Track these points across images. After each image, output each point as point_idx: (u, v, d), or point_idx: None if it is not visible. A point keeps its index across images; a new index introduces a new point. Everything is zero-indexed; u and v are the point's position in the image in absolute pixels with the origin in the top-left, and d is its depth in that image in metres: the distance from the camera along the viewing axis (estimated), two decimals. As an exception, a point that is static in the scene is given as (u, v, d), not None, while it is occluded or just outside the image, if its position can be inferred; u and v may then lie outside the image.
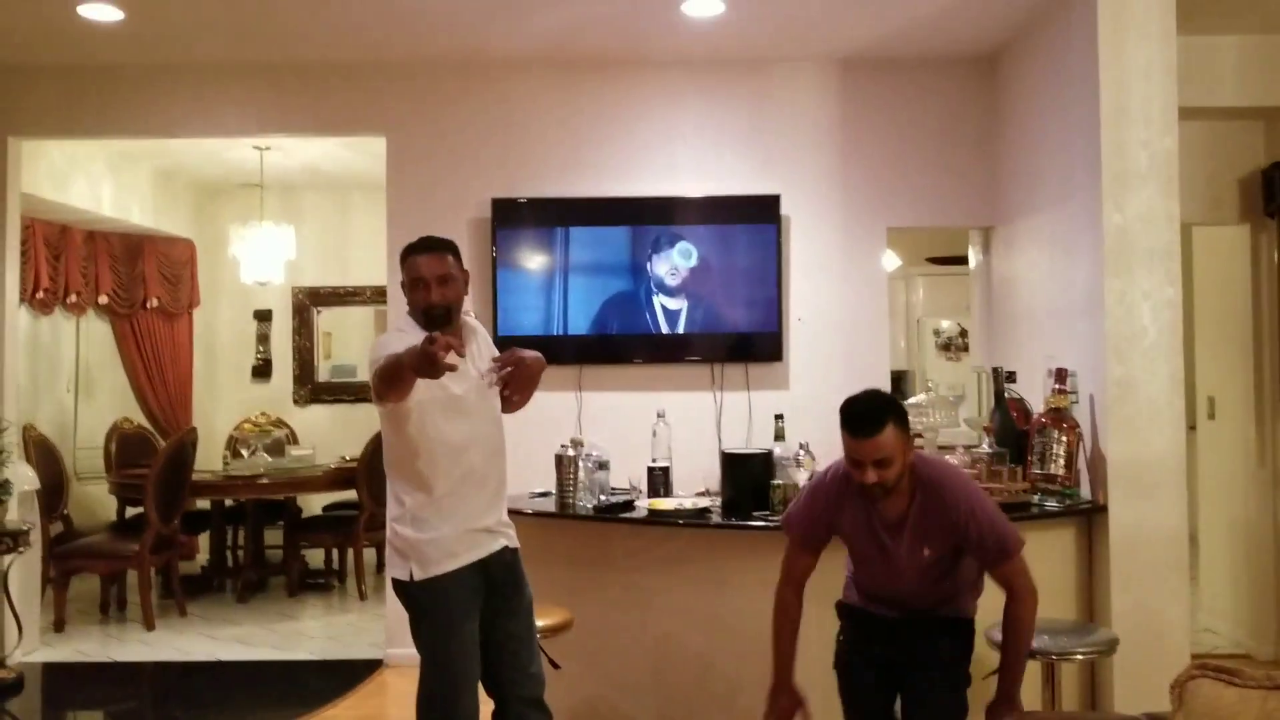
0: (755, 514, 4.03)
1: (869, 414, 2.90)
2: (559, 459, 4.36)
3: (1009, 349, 5.43)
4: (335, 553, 8.04)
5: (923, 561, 3.03)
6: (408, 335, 3.10)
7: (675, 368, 5.76)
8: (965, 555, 3.07)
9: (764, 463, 4.16)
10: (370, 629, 6.57)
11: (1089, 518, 4.31)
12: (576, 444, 4.44)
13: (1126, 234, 4.19)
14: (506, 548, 3.32)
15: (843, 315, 5.75)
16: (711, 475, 4.91)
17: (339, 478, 7.63)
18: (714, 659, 4.12)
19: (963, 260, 8.81)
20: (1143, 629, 4.05)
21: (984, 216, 5.74)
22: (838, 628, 3.31)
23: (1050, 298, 4.83)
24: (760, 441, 5.55)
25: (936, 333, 9.18)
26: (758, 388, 5.72)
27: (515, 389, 3.27)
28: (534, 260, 5.74)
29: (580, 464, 4.36)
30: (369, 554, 7.84)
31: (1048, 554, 4.26)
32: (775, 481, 4.07)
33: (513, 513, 4.40)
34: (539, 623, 3.76)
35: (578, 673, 4.10)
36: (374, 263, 9.10)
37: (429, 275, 3.22)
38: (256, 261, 7.78)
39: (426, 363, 2.70)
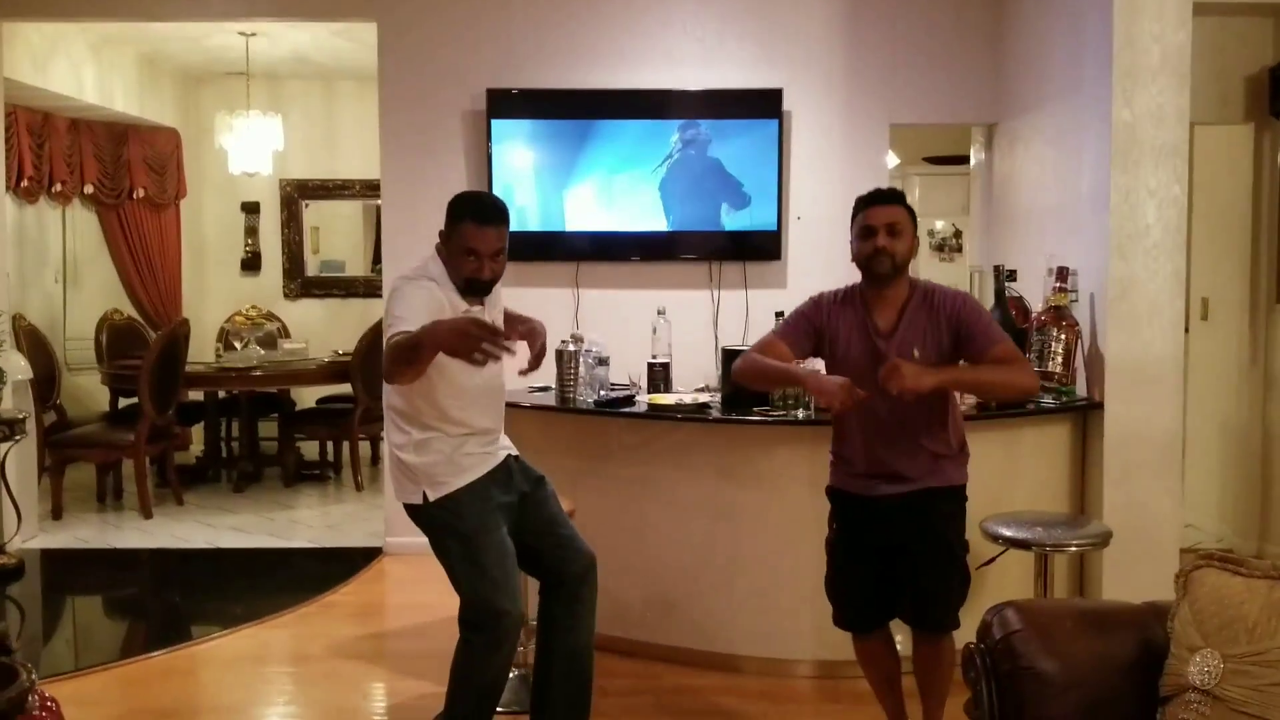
0: (755, 410, 4.04)
1: (887, 191, 3.25)
2: (560, 354, 4.35)
3: (1008, 248, 5.42)
4: (330, 445, 8.10)
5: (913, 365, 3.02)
6: (437, 290, 3.07)
7: (672, 266, 5.73)
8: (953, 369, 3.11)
9: (763, 358, 4.17)
10: (368, 518, 6.65)
11: (1084, 415, 4.35)
12: (577, 340, 4.44)
13: (1135, 130, 4.15)
14: (510, 455, 3.36)
15: (843, 214, 5.67)
16: (709, 373, 4.95)
17: (333, 372, 7.63)
18: (712, 548, 4.18)
19: (961, 160, 8.78)
20: (1133, 523, 4.11)
21: (988, 112, 5.68)
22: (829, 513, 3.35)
23: (1054, 195, 4.80)
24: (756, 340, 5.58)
25: (931, 233, 9.16)
26: (756, 286, 5.71)
27: (536, 367, 3.35)
28: (530, 154, 5.66)
29: (581, 359, 4.37)
30: (364, 447, 7.90)
31: (1043, 450, 4.31)
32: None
33: (513, 406, 4.46)
34: (544, 511, 3.82)
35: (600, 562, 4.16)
36: (364, 155, 9.04)
37: (484, 250, 3.09)
38: (245, 152, 7.66)
39: (465, 350, 2.64)
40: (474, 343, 2.62)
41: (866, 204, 3.18)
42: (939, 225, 9.41)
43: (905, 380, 2.85)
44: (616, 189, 5.66)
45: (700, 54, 5.69)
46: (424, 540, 5.48)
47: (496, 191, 5.60)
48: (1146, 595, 4.17)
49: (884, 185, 5.62)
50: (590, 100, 5.63)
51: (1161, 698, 2.14)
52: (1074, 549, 3.63)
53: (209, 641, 4.58)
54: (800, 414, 4.00)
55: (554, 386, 4.48)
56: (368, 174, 9.13)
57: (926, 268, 8.97)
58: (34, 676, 1.73)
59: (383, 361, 2.90)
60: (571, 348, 4.37)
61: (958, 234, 9.08)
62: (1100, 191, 4.25)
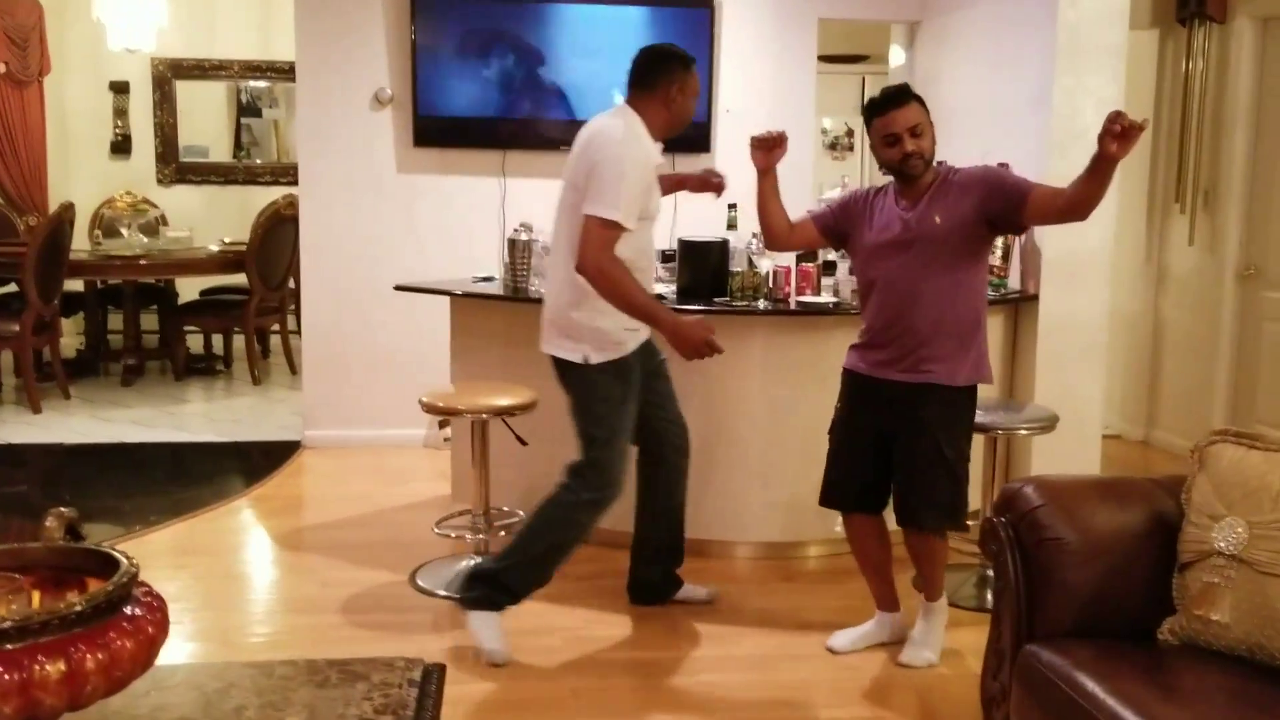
0: (717, 300, 4.08)
1: (896, 92, 3.21)
2: (512, 243, 4.30)
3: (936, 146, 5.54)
4: (217, 338, 7.81)
5: (933, 231, 3.12)
6: (652, 158, 3.31)
7: (602, 154, 5.66)
8: (967, 263, 3.17)
9: (721, 250, 4.20)
10: (272, 412, 6.48)
11: (1016, 307, 4.56)
12: (527, 228, 4.37)
13: (1079, 31, 4.28)
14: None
15: (771, 108, 5.72)
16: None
17: (225, 261, 7.33)
18: (669, 438, 4.24)
19: (853, 59, 8.90)
20: (1063, 407, 4.33)
21: (913, 9, 5.75)
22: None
23: (989, 94, 4.92)
24: (686, 233, 5.59)
25: (824, 132, 9.26)
26: (685, 177, 5.69)
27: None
28: (456, 38, 5.46)
29: (532, 249, 4.31)
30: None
31: (980, 340, 4.50)
32: (734, 269, 4.12)
33: (465, 296, 4.40)
34: (509, 401, 3.80)
35: (540, 449, 4.16)
36: (242, 33, 8.58)
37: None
38: (124, 26, 7.14)
39: (689, 357, 3.20)
40: (699, 353, 3.17)
41: (882, 109, 3.16)
42: (828, 124, 9.52)
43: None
44: (545, 75, 5.53)
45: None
46: (345, 433, 5.53)
47: (421, 76, 5.43)
48: (1074, 472, 4.46)
49: (811, 78, 5.76)
50: (520, -18, 5.47)
51: (1181, 564, 2.31)
52: (1024, 432, 3.85)
53: (143, 536, 4.41)
54: (761, 304, 4.06)
55: (501, 276, 4.42)
56: (247, 54, 8.70)
57: (819, 166, 9.10)
58: (136, 566, 1.66)
59: (597, 259, 3.09)
60: (524, 237, 4.31)
61: (849, 132, 9.22)
62: (1043, 91, 4.39)
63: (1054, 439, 4.31)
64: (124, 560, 1.64)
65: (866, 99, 3.29)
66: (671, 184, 3.78)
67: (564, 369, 3.38)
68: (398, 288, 4.53)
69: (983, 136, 4.87)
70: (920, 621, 3.42)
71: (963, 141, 5.16)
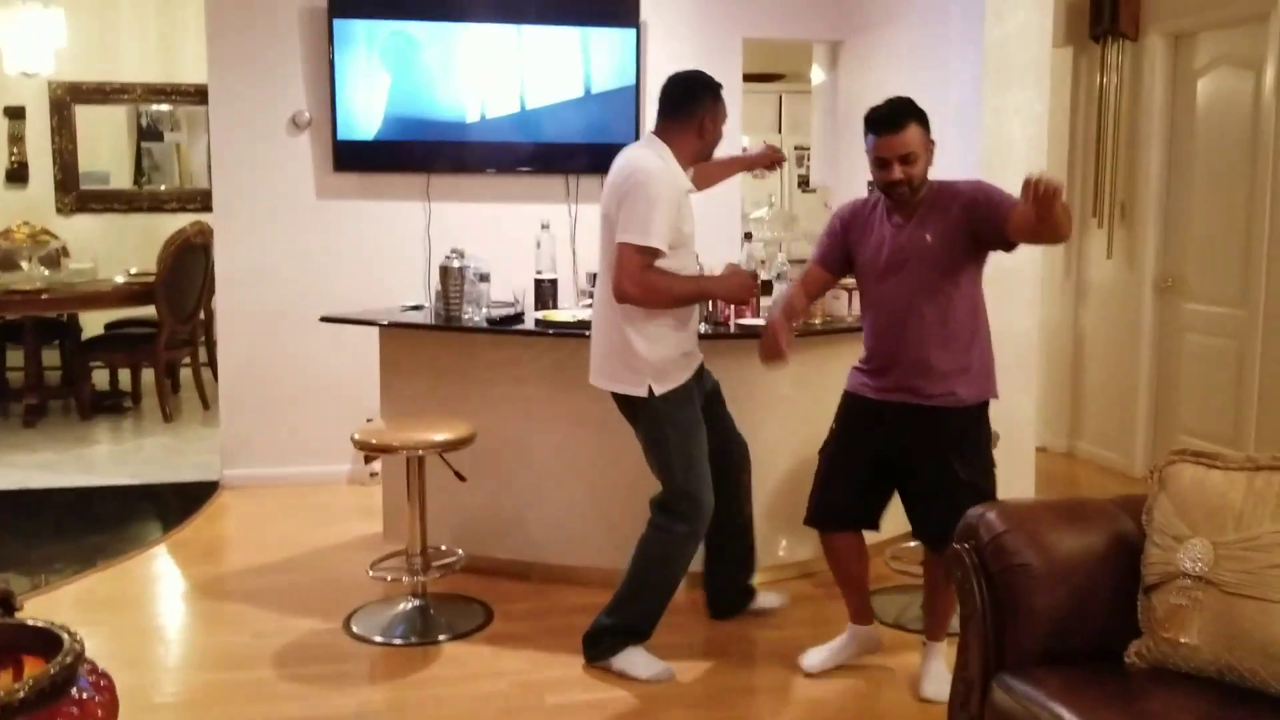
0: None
1: (892, 113, 3.07)
2: (445, 270, 4.17)
3: (856, 165, 5.55)
4: (124, 374, 7.51)
5: (924, 250, 3.06)
6: (679, 185, 3.32)
7: (528, 179, 5.58)
8: (962, 277, 3.09)
9: (658, 273, 4.13)
10: (187, 451, 6.23)
11: (949, 324, 4.57)
12: (459, 254, 4.25)
13: (1005, 50, 4.32)
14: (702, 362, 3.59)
15: (697, 126, 5.69)
16: (566, 289, 4.84)
17: (133, 293, 7.04)
18: (612, 466, 4.14)
19: (770, 78, 8.94)
20: (998, 422, 4.34)
21: (835, 29, 5.77)
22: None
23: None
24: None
25: (744, 150, 9.27)
26: (612, 199, 5.63)
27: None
28: (377, 59, 5.32)
29: (465, 276, 4.20)
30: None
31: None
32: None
33: (395, 326, 4.27)
34: (446, 436, 3.68)
35: (480, 484, 4.05)
36: (145, 56, 8.30)
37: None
38: (21, 48, 6.85)
39: (745, 301, 3.63)
40: (750, 292, 3.48)
41: (876, 130, 3.07)
42: (746, 142, 9.54)
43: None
44: (469, 97, 5.42)
45: (554, -42, 5.50)
46: (266, 471, 5.33)
47: (340, 97, 5.28)
48: (1011, 488, 4.48)
49: (737, 98, 5.73)
50: (440, 2, 5.34)
51: (1146, 585, 2.29)
52: (968, 450, 3.81)
53: (56, 590, 4.17)
54: (703, 328, 3.98)
55: (433, 304, 4.30)
56: (150, 77, 8.43)
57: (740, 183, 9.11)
58: (80, 643, 1.53)
59: (635, 279, 3.18)
60: (456, 264, 4.19)
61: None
62: (971, 109, 4.41)
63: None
64: (66, 637, 1.51)
65: (868, 111, 3.15)
66: (739, 165, 4.11)
67: (630, 404, 3.41)
68: (324, 319, 4.37)
69: (910, 155, 4.88)
70: (932, 658, 3.36)
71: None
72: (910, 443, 3.17)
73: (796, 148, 8.81)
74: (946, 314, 3.10)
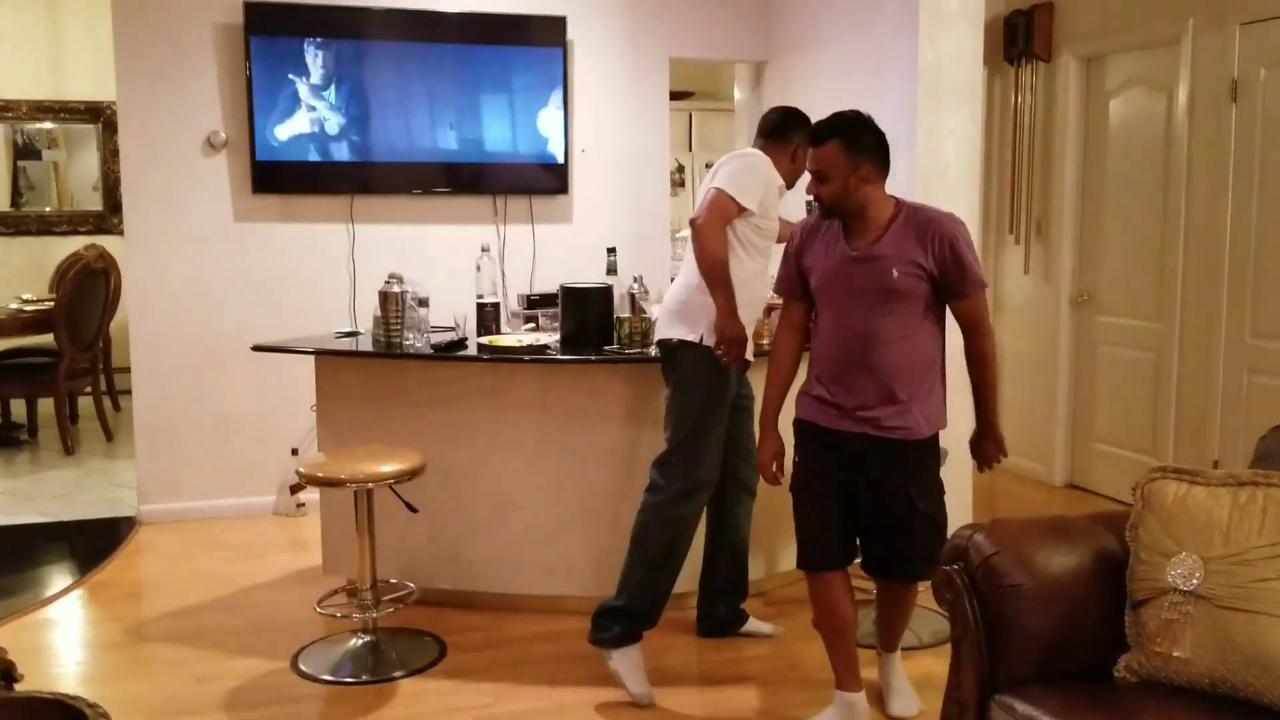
0: (606, 348, 3.96)
1: (820, 127, 3.02)
2: (384, 295, 4.06)
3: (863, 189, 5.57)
4: (18, 405, 7.15)
5: (887, 283, 2.92)
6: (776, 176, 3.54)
7: (455, 200, 5.49)
8: (922, 309, 2.97)
9: (605, 296, 4.09)
10: (96, 485, 5.96)
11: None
12: (399, 279, 4.14)
13: (938, 72, 4.41)
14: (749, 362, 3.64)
15: (626, 147, 5.69)
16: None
17: (28, 321, 6.72)
18: (559, 492, 4.09)
19: (682, 95, 8.98)
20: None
21: (761, 50, 5.82)
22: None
23: (846, 133, 5.00)
24: (544, 277, 5.48)
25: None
26: (542, 221, 5.59)
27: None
28: (297, 76, 5.18)
29: (404, 301, 4.10)
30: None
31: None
32: (621, 315, 4.00)
33: (330, 353, 4.15)
34: (396, 467, 3.59)
35: (425, 514, 3.94)
36: (31, 71, 7.95)
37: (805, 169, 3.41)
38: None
39: (729, 358, 3.43)
40: (737, 354, 3.42)
41: (811, 141, 3.03)
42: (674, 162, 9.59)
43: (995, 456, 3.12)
44: (393, 117, 5.31)
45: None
46: (187, 505, 5.13)
47: (259, 117, 5.13)
48: (951, 508, 4.55)
49: (664, 117, 5.74)
50: (362, 19, 5.23)
51: (1136, 601, 2.34)
52: (921, 468, 3.86)
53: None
54: (653, 350, 3.95)
55: (372, 330, 4.18)
56: (34, 94, 8.07)
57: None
58: (105, 714, 1.45)
59: (714, 217, 3.39)
60: (396, 288, 4.09)
61: (680, 169, 9.29)
62: (905, 130, 4.48)
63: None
64: (88, 710, 1.42)
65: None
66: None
67: (675, 351, 3.53)
68: (256, 348, 4.22)
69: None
70: (893, 670, 3.37)
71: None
72: (871, 474, 3.04)
73: (708, 165, 8.87)
74: (905, 343, 2.97)
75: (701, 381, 3.50)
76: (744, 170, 3.46)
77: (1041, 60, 5.70)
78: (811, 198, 3.07)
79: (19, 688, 1.60)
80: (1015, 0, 5.84)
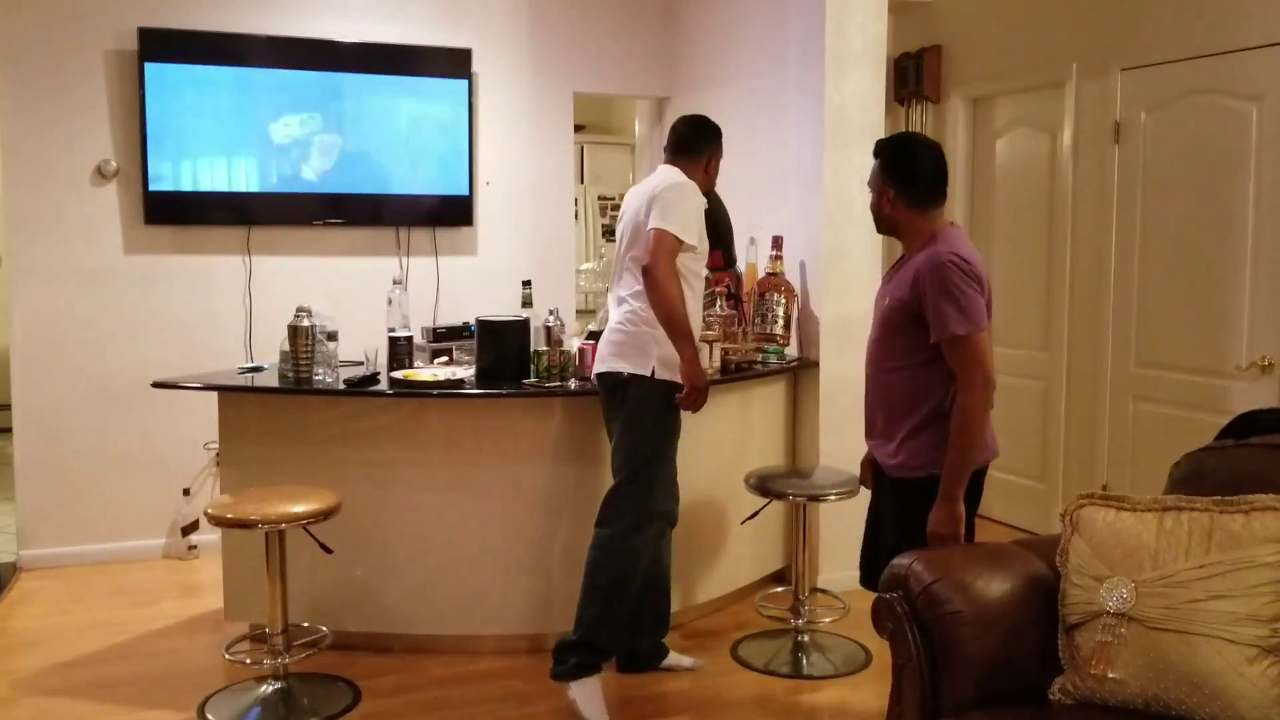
0: (525, 382, 3.93)
1: (878, 141, 3.14)
2: (294, 330, 3.96)
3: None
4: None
5: (884, 311, 3.01)
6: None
7: (356, 231, 5.39)
8: (912, 337, 2.91)
9: (521, 330, 4.07)
10: (-34, 531, 5.63)
11: (795, 373, 4.72)
12: (307, 312, 4.04)
13: (843, 112, 4.53)
14: None
15: (531, 180, 5.68)
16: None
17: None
18: (473, 529, 4.02)
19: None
20: (846, 467, 4.52)
21: (664, 87, 5.90)
22: None
23: (752, 171, 5.09)
24: (449, 310, 5.43)
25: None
26: (446, 254, 5.53)
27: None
28: (193, 105, 5.02)
29: (314, 334, 4.00)
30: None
31: (769, 407, 4.62)
32: (539, 348, 3.98)
33: (236, 389, 4.03)
34: (310, 507, 3.48)
35: (341, 556, 3.84)
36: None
37: None
38: None
39: (691, 406, 3.52)
40: (698, 403, 3.50)
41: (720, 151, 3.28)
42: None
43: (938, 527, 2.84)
44: (293, 148, 5.20)
45: (384, 7, 5.37)
46: (71, 550, 4.91)
47: (152, 146, 4.96)
48: (857, 533, 4.61)
49: (569, 150, 5.76)
50: (262, 47, 5.11)
51: (1070, 624, 2.42)
52: (834, 497, 3.93)
53: None
54: (572, 384, 3.94)
55: (280, 365, 4.07)
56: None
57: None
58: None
59: (665, 259, 3.37)
60: (305, 322, 3.98)
61: (575, 201, 9.29)
62: (812, 168, 4.59)
63: (834, 502, 4.49)
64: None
65: None
66: None
67: (625, 384, 3.52)
68: (156, 384, 4.05)
69: (748, 211, 5.02)
70: None
71: (730, 215, 5.32)
72: (888, 505, 3.10)
73: (600, 198, 8.92)
74: (898, 378, 2.99)
75: (654, 415, 3.52)
76: (677, 203, 3.46)
77: (931, 101, 5.91)
78: None
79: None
80: (905, 43, 6.04)
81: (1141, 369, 4.82)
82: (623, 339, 3.56)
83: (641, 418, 3.52)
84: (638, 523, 3.50)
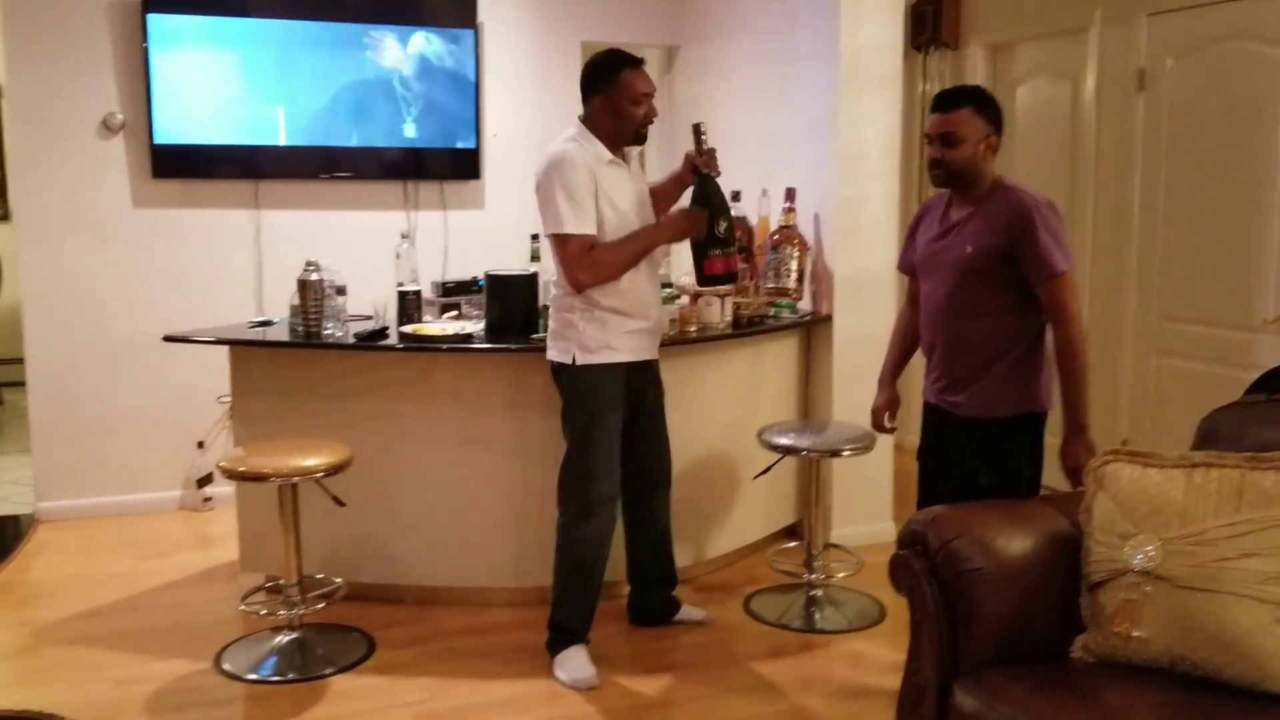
0: (534, 337, 3.88)
1: (952, 93, 3.03)
2: (303, 284, 3.93)
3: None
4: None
5: (963, 260, 2.96)
6: (585, 161, 3.30)
7: (364, 185, 5.33)
8: (1000, 283, 2.93)
9: (530, 284, 4.02)
10: (-17, 484, 5.65)
11: (808, 328, 4.66)
12: (316, 266, 4.00)
13: (858, 59, 4.43)
14: (653, 360, 3.59)
15: (538, 132, 5.57)
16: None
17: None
18: (483, 482, 4.00)
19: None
20: (859, 422, 4.47)
21: (673, 34, 5.79)
22: None
23: (765, 120, 5.01)
24: (457, 264, 5.38)
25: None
26: (454, 207, 5.47)
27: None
28: (197, 56, 4.95)
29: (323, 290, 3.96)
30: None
31: (781, 362, 4.57)
32: (547, 302, 3.93)
33: (246, 343, 4.00)
34: (322, 460, 3.46)
35: (353, 509, 3.82)
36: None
37: (650, 90, 3.40)
38: None
39: (697, 231, 3.38)
40: (699, 227, 3.36)
41: (933, 107, 3.02)
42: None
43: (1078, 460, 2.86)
44: (300, 100, 5.12)
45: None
46: (87, 502, 4.90)
47: (157, 98, 4.89)
48: (870, 489, 4.58)
49: (575, 101, 5.65)
50: (268, -3, 5.03)
51: (1093, 582, 2.38)
52: (849, 453, 3.90)
53: None
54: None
55: (290, 320, 4.03)
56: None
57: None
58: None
59: (579, 265, 3.27)
60: (314, 276, 3.95)
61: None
62: (826, 118, 4.50)
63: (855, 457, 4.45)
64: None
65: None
66: (672, 181, 3.65)
67: (556, 371, 3.49)
68: (168, 338, 4.02)
69: (761, 161, 4.95)
70: None
71: (740, 167, 5.23)
72: (949, 442, 3.12)
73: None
74: (981, 323, 2.98)
75: (579, 402, 3.44)
76: (555, 200, 3.25)
77: (949, 48, 5.79)
78: (927, 164, 3.06)
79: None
80: (924, -12, 5.91)
81: (1165, 322, 4.74)
82: (553, 325, 3.49)
83: (570, 407, 3.47)
84: (582, 511, 3.46)
